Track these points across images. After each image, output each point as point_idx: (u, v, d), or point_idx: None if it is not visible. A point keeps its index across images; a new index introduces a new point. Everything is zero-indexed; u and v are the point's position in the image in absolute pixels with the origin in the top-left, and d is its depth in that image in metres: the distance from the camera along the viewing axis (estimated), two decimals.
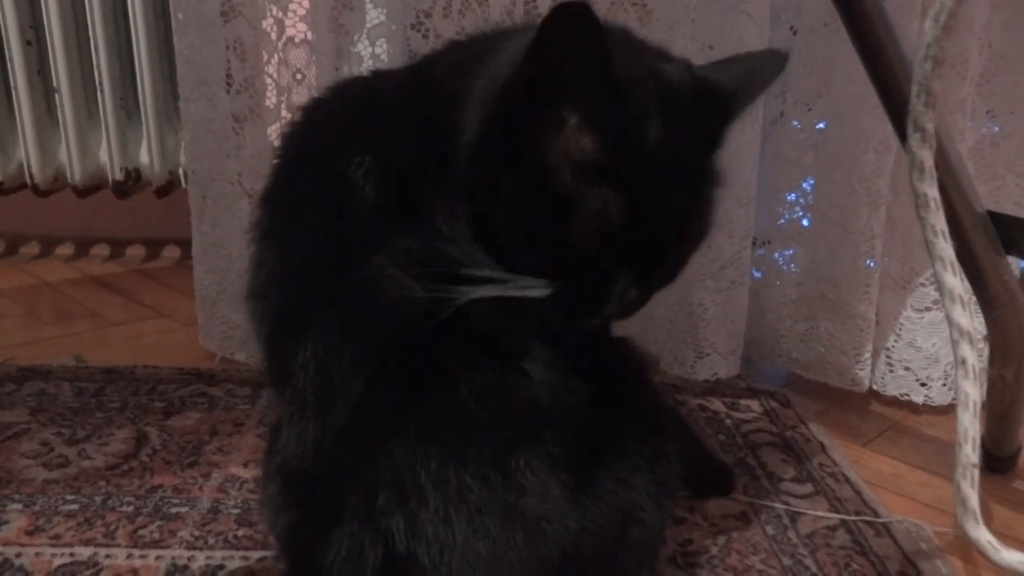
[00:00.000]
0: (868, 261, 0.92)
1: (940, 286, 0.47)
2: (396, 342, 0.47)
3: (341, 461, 0.46)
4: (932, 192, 0.46)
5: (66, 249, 1.48)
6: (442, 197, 0.51)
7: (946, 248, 0.46)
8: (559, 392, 0.46)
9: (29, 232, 1.50)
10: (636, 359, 0.62)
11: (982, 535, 0.49)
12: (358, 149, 0.52)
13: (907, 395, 0.95)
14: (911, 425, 0.95)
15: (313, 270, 0.50)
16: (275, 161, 0.58)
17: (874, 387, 0.98)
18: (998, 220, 0.62)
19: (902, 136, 0.50)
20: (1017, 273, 0.65)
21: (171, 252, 1.49)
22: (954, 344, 0.47)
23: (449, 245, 0.50)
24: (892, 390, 0.96)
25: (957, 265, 0.46)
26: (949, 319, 0.47)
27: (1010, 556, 0.49)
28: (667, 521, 0.54)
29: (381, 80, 0.63)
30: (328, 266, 0.50)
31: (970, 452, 0.49)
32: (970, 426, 0.48)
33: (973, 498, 0.49)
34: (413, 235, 0.49)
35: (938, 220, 0.46)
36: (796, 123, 0.95)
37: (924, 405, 0.96)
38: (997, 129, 0.91)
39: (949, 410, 0.96)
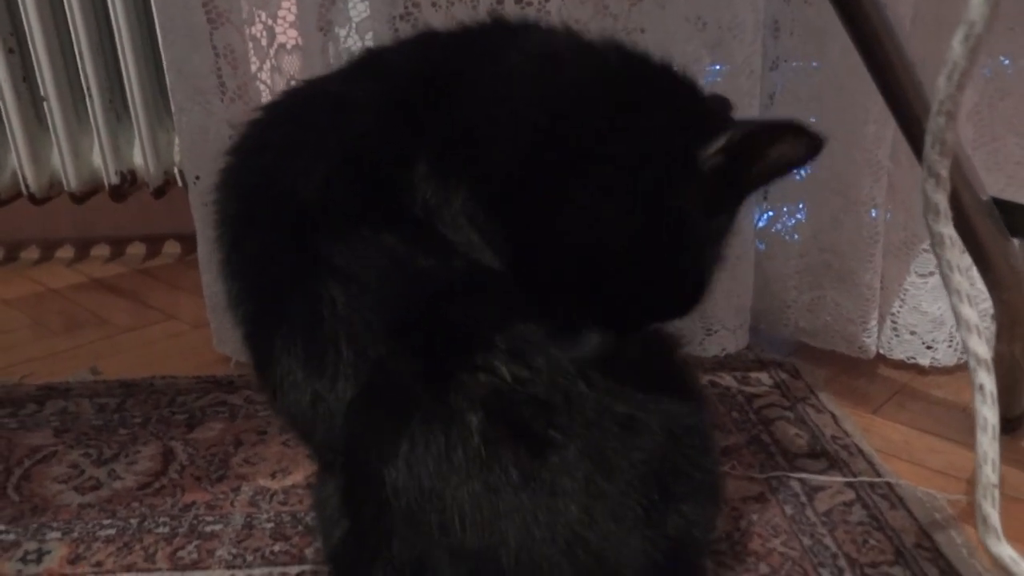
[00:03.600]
0: (871, 211, 0.92)
1: (956, 317, 0.48)
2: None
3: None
4: (947, 231, 0.47)
5: (66, 252, 1.48)
6: (436, 186, 0.49)
7: (962, 282, 0.47)
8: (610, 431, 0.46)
9: (28, 236, 1.50)
10: (666, 345, 0.61)
11: (1004, 551, 0.52)
12: (316, 156, 0.50)
13: (913, 358, 0.97)
14: (919, 388, 0.96)
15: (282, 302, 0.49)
16: (218, 203, 0.55)
17: (880, 351, 0.99)
18: (1003, 207, 0.63)
19: (911, 141, 0.50)
20: None
21: (172, 248, 1.49)
22: (972, 372, 0.49)
23: (429, 256, 0.48)
24: (899, 354, 0.98)
25: (973, 297, 0.48)
26: (966, 347, 0.48)
27: None
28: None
29: (326, 83, 0.58)
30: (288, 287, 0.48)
31: (990, 473, 0.50)
32: (989, 449, 0.50)
33: (994, 516, 0.51)
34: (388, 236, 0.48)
35: (953, 256, 0.47)
36: (793, 96, 0.95)
37: (931, 367, 0.97)
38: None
39: (955, 370, 0.98)
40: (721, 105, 0.58)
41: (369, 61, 0.58)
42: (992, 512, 0.51)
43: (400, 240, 0.48)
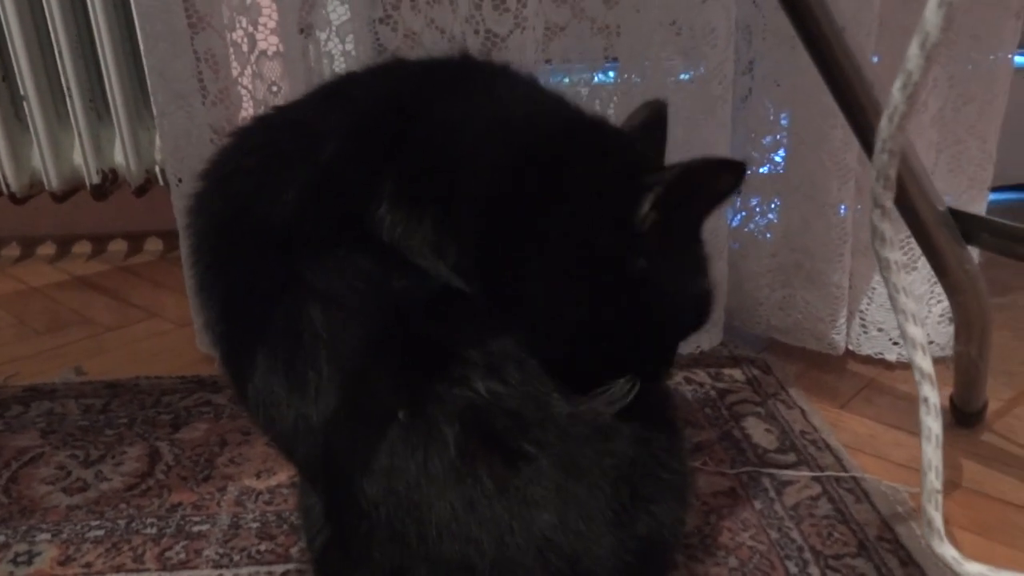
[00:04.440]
0: (840, 208, 0.94)
1: (903, 335, 0.51)
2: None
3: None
4: (893, 256, 0.49)
5: (48, 249, 1.49)
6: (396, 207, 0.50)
7: (907, 303, 0.49)
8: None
9: (8, 234, 1.50)
10: None
11: (947, 551, 0.55)
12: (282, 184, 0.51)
13: (881, 354, 1.01)
14: (885, 383, 1.00)
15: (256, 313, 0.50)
16: (189, 234, 0.56)
17: (849, 347, 1.03)
18: (958, 216, 0.66)
19: (864, 146, 0.53)
20: (978, 260, 0.70)
21: (153, 245, 1.50)
22: (918, 384, 0.52)
23: (402, 279, 0.50)
24: (867, 350, 1.01)
25: (919, 316, 0.50)
26: (913, 363, 0.51)
27: (972, 568, 0.54)
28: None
29: (296, 109, 0.59)
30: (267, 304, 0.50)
31: (934, 479, 0.53)
32: (933, 457, 0.53)
33: (938, 520, 0.54)
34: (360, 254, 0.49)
35: (899, 279, 0.50)
36: (765, 100, 0.97)
37: (897, 362, 1.01)
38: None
39: None
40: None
41: (338, 88, 0.59)
42: (936, 516, 0.54)
43: (374, 263, 0.50)
